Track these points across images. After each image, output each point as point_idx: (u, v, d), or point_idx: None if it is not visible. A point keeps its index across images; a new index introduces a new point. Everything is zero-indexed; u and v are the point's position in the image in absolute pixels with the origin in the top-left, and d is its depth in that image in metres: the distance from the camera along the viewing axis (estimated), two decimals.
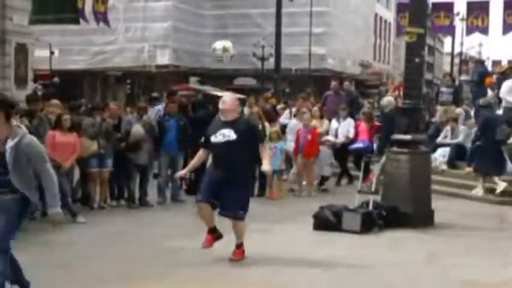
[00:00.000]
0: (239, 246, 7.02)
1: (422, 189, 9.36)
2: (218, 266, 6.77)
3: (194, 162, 7.44)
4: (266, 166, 7.09)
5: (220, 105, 6.99)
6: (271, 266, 6.73)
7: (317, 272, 6.56)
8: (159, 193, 11.00)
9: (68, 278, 6.26)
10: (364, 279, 6.32)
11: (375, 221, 8.76)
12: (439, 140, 13.78)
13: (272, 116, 13.60)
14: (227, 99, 7.04)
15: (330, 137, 12.70)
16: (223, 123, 6.92)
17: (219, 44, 7.73)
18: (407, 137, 9.37)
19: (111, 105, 11.23)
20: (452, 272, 6.68)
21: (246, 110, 14.11)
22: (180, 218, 9.66)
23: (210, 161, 7.43)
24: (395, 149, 9.60)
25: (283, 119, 13.99)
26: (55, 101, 10.88)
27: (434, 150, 13.29)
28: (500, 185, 11.33)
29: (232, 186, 6.71)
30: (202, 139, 7.21)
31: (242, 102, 14.22)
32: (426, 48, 39.98)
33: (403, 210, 9.00)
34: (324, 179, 12.55)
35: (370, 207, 8.99)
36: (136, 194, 10.61)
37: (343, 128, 12.97)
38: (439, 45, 79.07)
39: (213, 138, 6.90)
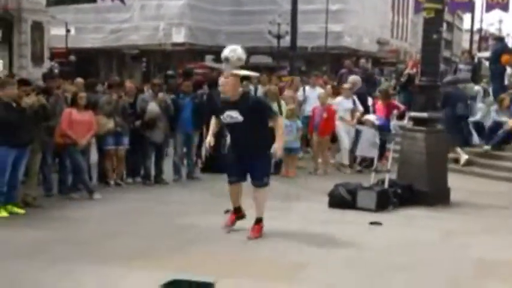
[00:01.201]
0: (259, 221, 7.02)
1: (439, 168, 9.30)
2: (231, 242, 6.79)
3: (212, 128, 7.29)
4: (277, 149, 6.83)
5: (220, 84, 6.95)
6: (284, 244, 6.74)
7: (330, 250, 6.56)
8: (175, 171, 11.05)
9: (84, 253, 6.31)
10: (379, 257, 6.31)
11: (390, 199, 8.73)
12: None
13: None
14: (226, 78, 6.92)
15: (371, 116, 11.90)
16: (226, 103, 6.94)
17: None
18: (424, 114, 9.29)
19: (127, 84, 11.23)
20: (468, 250, 6.66)
21: (260, 89, 14.12)
22: (195, 195, 9.70)
23: (228, 140, 7.42)
24: (411, 126, 9.54)
25: (298, 97, 13.92)
26: (80, 80, 10.91)
27: None
28: (463, 158, 12.20)
29: (254, 160, 6.88)
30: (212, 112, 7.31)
31: (257, 81, 14.28)
32: (445, 25, 39.49)
33: (419, 188, 8.95)
34: (364, 161, 11.99)
35: (386, 185, 8.96)
36: (152, 172, 10.65)
37: (360, 106, 12.83)
38: (458, 22, 78.06)
39: (222, 118, 6.97)
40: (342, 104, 12.34)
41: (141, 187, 10.32)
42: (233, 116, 6.79)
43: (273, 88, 12.56)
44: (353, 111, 12.33)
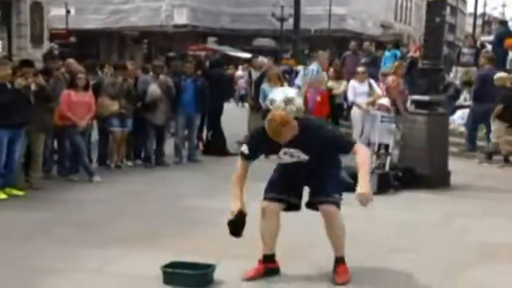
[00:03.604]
0: (341, 261, 4.99)
1: (439, 151, 9.28)
2: None
3: (237, 192, 4.94)
4: (363, 194, 4.69)
5: (268, 127, 4.68)
6: (287, 226, 6.68)
7: None
8: (176, 153, 11.04)
9: (85, 235, 6.32)
10: (379, 240, 6.31)
11: (391, 182, 8.73)
12: (459, 102, 13.62)
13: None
14: (277, 117, 4.64)
15: (385, 100, 10.93)
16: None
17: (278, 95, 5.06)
18: (426, 98, 9.26)
19: (128, 65, 11.18)
20: (468, 233, 6.65)
21: (253, 73, 13.96)
22: (196, 177, 9.69)
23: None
24: (413, 109, 9.51)
25: (298, 80, 13.81)
26: (71, 60, 10.85)
27: (453, 112, 13.16)
28: None
29: (318, 173, 4.91)
30: (244, 150, 4.95)
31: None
32: (448, 9, 39.19)
33: (420, 172, 8.94)
34: (381, 148, 10.17)
35: (387, 168, 8.95)
36: (153, 154, 10.62)
37: (377, 89, 12.37)
38: (462, 6, 77.59)
39: (276, 158, 4.94)
40: (357, 88, 11.80)
41: (141, 169, 10.31)
42: (294, 154, 4.84)
43: (274, 71, 12.46)
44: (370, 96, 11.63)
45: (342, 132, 6.00)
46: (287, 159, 4.88)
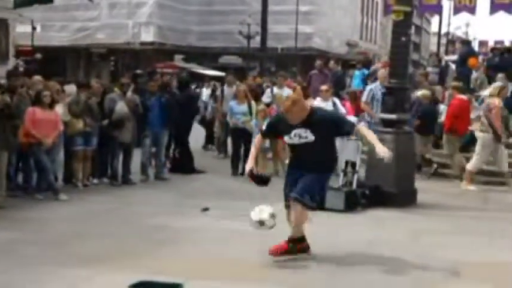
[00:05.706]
0: (288, 241, 6.15)
1: (406, 169, 9.36)
2: (200, 244, 6.74)
3: (253, 152, 6.36)
4: (382, 150, 5.77)
5: (284, 110, 5.94)
6: (254, 245, 6.70)
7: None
8: (142, 171, 10.94)
9: (51, 255, 6.21)
10: (347, 258, 6.32)
11: (358, 200, 8.77)
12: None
13: (258, 94, 13.53)
14: (288, 103, 5.87)
15: (352, 119, 10.69)
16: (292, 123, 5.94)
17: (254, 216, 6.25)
18: (393, 116, 9.35)
19: (94, 83, 11.08)
20: (435, 251, 6.68)
21: (226, 89, 14.12)
22: (163, 196, 9.62)
23: (287, 159, 6.65)
24: (380, 128, 9.58)
25: (265, 98, 13.85)
26: (37, 78, 10.72)
27: None
28: None
29: (309, 174, 5.94)
30: (264, 130, 6.37)
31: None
32: (413, 28, 39.94)
33: (387, 190, 9.01)
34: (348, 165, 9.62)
35: (354, 186, 9.00)
36: (119, 172, 10.52)
37: (342, 108, 12.40)
38: (426, 25, 79.03)
39: (287, 139, 6.02)
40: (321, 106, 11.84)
41: (108, 188, 10.19)
42: (302, 135, 5.87)
43: (241, 88, 12.50)
44: None
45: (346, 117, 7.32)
46: (296, 140, 5.91)
